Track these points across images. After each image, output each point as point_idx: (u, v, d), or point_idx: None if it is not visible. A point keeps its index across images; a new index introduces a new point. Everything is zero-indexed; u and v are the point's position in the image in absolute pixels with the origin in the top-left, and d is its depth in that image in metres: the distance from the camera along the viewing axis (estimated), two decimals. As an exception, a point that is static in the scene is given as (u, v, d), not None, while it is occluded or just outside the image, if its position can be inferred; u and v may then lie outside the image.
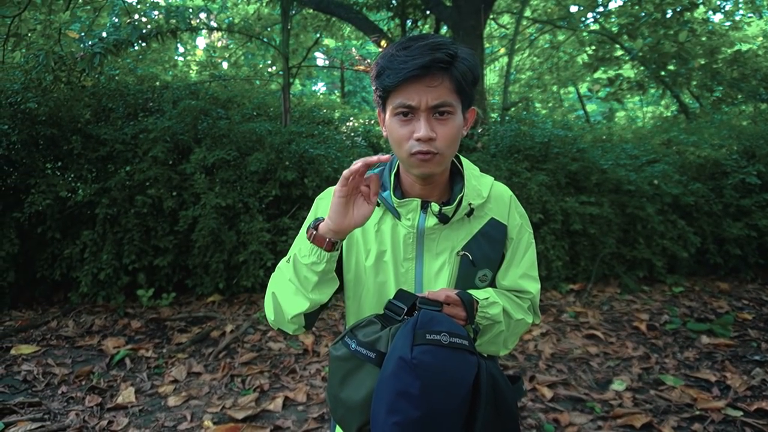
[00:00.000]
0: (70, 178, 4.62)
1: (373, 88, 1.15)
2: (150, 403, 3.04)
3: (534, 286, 1.28)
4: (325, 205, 1.29)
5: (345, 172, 1.04)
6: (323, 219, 1.11)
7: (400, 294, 1.14)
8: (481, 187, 1.24)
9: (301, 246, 1.12)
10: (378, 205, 1.23)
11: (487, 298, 1.16)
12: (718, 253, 5.48)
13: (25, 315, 4.41)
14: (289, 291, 1.13)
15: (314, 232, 1.10)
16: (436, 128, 1.09)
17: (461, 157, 1.27)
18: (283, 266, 1.16)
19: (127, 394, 3.09)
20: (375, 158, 1.04)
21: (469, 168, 1.26)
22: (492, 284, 1.28)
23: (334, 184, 1.13)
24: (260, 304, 4.54)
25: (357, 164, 1.02)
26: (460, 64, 1.08)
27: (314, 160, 4.91)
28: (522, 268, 1.27)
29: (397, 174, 1.24)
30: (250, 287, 4.57)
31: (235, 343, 3.91)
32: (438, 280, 1.20)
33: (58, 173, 4.69)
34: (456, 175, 1.26)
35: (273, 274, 1.21)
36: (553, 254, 5.06)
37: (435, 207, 1.18)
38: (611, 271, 5.40)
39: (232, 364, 3.57)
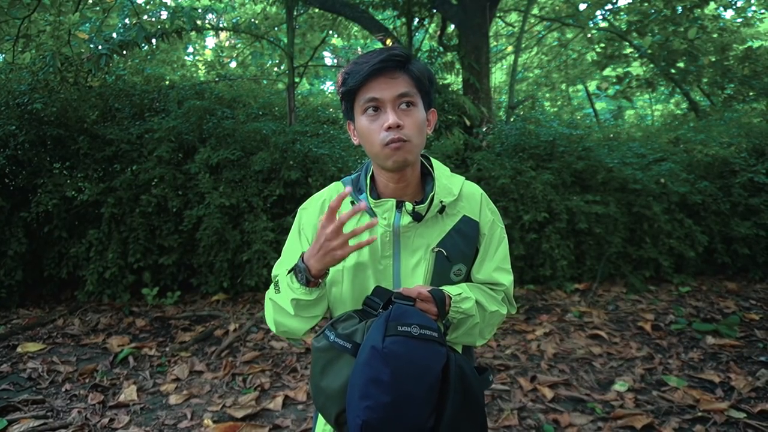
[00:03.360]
0: (77, 178, 4.67)
1: (340, 98, 1.25)
2: (151, 401, 3.07)
3: (507, 278, 1.34)
4: (308, 216, 1.34)
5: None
6: (304, 265, 1.14)
7: (377, 290, 1.20)
8: (452, 185, 1.30)
9: (291, 283, 1.17)
10: None
11: (460, 294, 1.21)
12: (726, 253, 5.42)
13: (33, 313, 4.47)
14: (294, 322, 1.22)
15: (306, 277, 1.14)
16: (402, 118, 1.17)
17: (432, 159, 1.34)
18: (283, 303, 1.20)
19: (129, 392, 3.12)
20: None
21: (439, 168, 1.33)
22: (467, 278, 1.33)
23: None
24: (264, 303, 4.57)
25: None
26: (416, 64, 1.21)
27: (318, 159, 4.92)
28: (495, 262, 1.33)
29: (372, 177, 1.31)
30: (254, 286, 4.60)
31: (238, 341, 3.93)
32: (414, 276, 1.25)
33: (65, 173, 4.74)
34: (427, 176, 1.33)
35: (269, 304, 1.26)
36: (558, 253, 5.03)
37: (409, 206, 1.24)
38: (617, 270, 5.35)
39: (235, 362, 3.59)
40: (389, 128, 1.15)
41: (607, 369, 3.49)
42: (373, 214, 1.26)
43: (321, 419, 1.34)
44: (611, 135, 7.46)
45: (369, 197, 1.27)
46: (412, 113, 1.19)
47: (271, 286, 1.27)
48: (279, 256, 1.37)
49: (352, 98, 1.20)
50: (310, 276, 1.13)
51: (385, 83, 1.16)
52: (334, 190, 1.36)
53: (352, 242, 1.10)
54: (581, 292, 5.05)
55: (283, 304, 1.19)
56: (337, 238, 1.07)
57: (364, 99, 1.18)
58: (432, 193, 1.25)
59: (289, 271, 1.17)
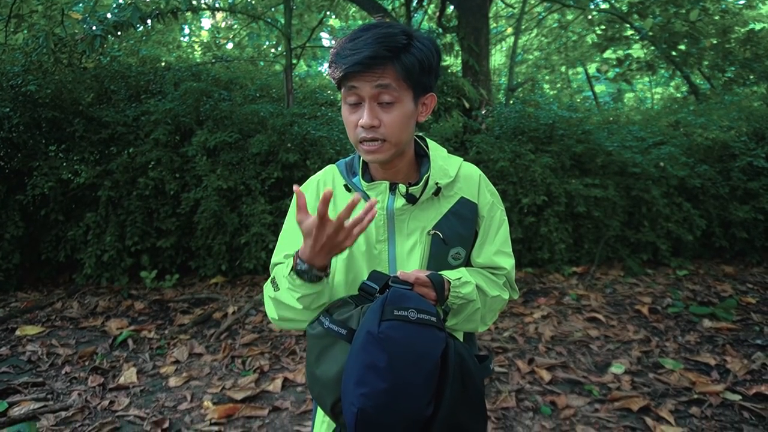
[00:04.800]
0: (73, 161, 4.64)
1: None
2: (151, 384, 3.08)
3: (508, 262, 1.30)
4: (306, 197, 1.27)
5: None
6: (307, 266, 1.09)
7: (373, 275, 1.16)
8: (449, 167, 1.26)
9: (292, 282, 1.12)
10: (349, 191, 1.26)
11: (460, 278, 1.18)
12: (724, 237, 5.42)
13: (31, 296, 4.47)
14: (302, 315, 1.16)
15: (315, 275, 1.09)
16: (380, 116, 1.12)
17: (427, 139, 1.30)
18: (288, 300, 1.14)
19: (129, 375, 3.13)
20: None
21: (435, 149, 1.29)
22: (467, 262, 1.29)
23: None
24: (262, 286, 4.58)
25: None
26: (409, 55, 1.10)
27: (317, 141, 4.89)
28: (496, 245, 1.29)
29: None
30: (252, 269, 4.60)
31: (237, 324, 3.94)
32: (410, 260, 1.22)
33: (61, 156, 4.70)
34: (423, 157, 1.29)
35: (270, 302, 1.19)
36: (556, 237, 5.03)
37: (402, 188, 1.21)
38: (615, 253, 5.37)
39: (234, 345, 3.60)
40: (363, 127, 1.13)
41: (604, 351, 3.51)
42: (366, 198, 1.22)
43: (321, 411, 1.31)
44: (611, 118, 7.43)
45: (362, 180, 1.24)
46: (392, 111, 1.13)
47: (268, 283, 1.22)
48: (277, 239, 1.33)
49: (337, 83, 1.16)
50: (317, 272, 1.08)
51: (365, 78, 1.10)
52: (329, 173, 1.32)
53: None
54: (579, 276, 5.07)
55: (288, 302, 1.14)
56: (342, 231, 1.02)
57: (345, 89, 1.14)
58: (426, 175, 1.22)
59: (289, 273, 1.11)
